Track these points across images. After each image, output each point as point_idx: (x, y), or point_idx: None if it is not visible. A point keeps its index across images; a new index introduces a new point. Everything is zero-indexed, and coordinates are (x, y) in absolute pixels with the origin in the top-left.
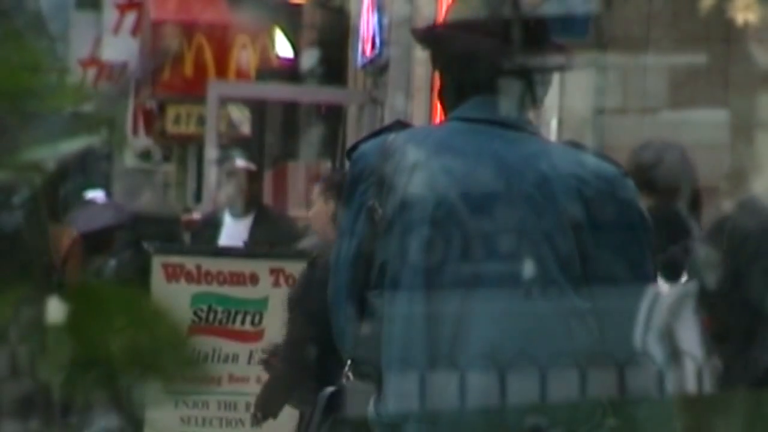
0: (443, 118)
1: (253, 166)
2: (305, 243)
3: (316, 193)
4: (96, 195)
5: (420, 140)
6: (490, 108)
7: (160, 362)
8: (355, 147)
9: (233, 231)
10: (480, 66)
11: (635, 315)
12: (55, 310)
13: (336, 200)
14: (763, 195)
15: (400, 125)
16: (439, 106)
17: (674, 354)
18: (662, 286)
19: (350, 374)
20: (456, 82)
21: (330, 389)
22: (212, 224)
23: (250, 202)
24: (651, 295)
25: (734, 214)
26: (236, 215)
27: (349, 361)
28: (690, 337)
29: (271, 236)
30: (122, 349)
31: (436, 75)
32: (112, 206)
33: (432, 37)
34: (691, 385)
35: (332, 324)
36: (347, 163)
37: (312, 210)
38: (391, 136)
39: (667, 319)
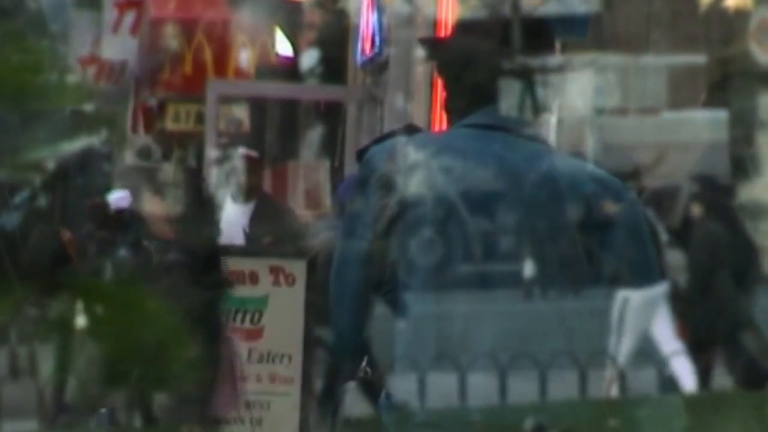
0: (448, 125)
1: (255, 153)
2: (321, 238)
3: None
4: (120, 195)
5: (429, 145)
6: (500, 115)
7: (161, 361)
8: (366, 148)
9: (233, 216)
10: (489, 74)
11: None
12: (60, 309)
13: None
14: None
15: (412, 129)
16: (440, 112)
17: (657, 355)
18: (632, 292)
19: (368, 369)
20: (464, 91)
21: (352, 383)
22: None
23: (252, 190)
24: (621, 300)
25: (702, 217)
26: (237, 201)
27: (366, 357)
28: (669, 336)
29: (272, 225)
30: (124, 348)
31: (441, 84)
32: None
33: (440, 47)
34: (685, 383)
35: (334, 322)
36: (353, 164)
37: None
38: (401, 140)
39: (641, 324)
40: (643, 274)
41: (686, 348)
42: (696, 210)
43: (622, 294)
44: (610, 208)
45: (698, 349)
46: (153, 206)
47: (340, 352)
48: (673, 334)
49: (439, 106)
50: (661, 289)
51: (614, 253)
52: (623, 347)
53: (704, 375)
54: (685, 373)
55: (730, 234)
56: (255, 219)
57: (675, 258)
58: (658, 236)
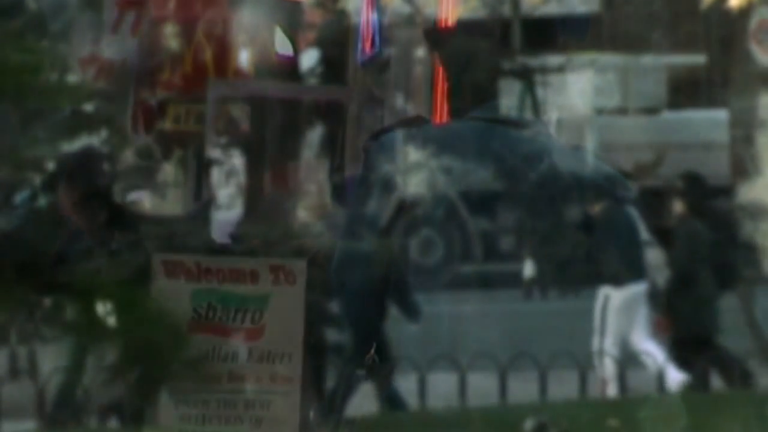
0: (449, 118)
1: (239, 155)
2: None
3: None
4: (138, 196)
5: (432, 141)
6: (503, 110)
7: (162, 361)
8: (374, 137)
9: (222, 221)
10: (493, 69)
11: (635, 313)
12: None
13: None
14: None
15: (421, 120)
16: (439, 105)
17: (633, 354)
18: (613, 290)
19: (376, 357)
20: (468, 85)
21: (361, 372)
22: (206, 211)
23: (243, 195)
24: (602, 298)
25: (685, 215)
26: (226, 207)
27: (374, 345)
28: (645, 336)
29: (262, 229)
30: (125, 347)
31: (444, 76)
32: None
33: (445, 41)
34: (654, 384)
35: (344, 319)
36: (353, 164)
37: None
38: (406, 133)
39: (622, 322)
40: (636, 270)
41: (668, 344)
42: (679, 208)
43: (604, 291)
44: (612, 204)
45: (682, 345)
46: (61, 194)
47: (353, 347)
48: (649, 334)
49: (440, 100)
50: (642, 287)
51: (614, 249)
52: (607, 345)
53: (695, 372)
54: (654, 374)
55: (713, 232)
56: (242, 224)
57: (658, 256)
58: (639, 235)
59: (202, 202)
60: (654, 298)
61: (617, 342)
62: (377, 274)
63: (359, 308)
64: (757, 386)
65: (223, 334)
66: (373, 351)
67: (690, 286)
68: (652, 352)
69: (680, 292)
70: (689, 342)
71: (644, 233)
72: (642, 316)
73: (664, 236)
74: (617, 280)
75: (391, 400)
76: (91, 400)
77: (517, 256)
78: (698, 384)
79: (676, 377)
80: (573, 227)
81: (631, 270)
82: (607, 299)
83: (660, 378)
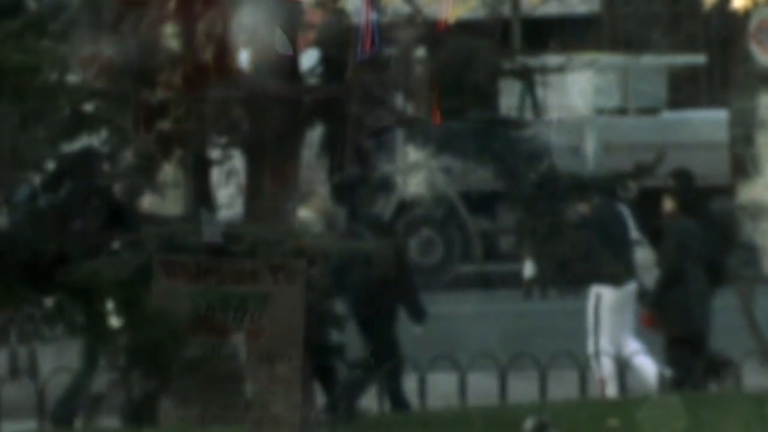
0: (447, 118)
1: (239, 155)
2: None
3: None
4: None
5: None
6: (503, 110)
7: (162, 361)
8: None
9: (215, 221)
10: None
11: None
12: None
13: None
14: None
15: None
16: (437, 105)
17: (627, 355)
18: (605, 289)
19: (372, 358)
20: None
21: (360, 371)
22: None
23: (243, 195)
24: (594, 297)
25: (675, 212)
26: (226, 206)
27: (372, 345)
28: (630, 336)
29: (257, 228)
30: (125, 348)
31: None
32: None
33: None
34: (652, 383)
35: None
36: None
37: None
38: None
39: (616, 321)
40: (627, 269)
41: (656, 340)
42: (669, 205)
43: (595, 291)
44: (603, 203)
45: (669, 341)
46: (65, 193)
47: (360, 347)
48: (633, 333)
49: (438, 100)
50: (633, 286)
51: (606, 249)
52: (604, 344)
53: (682, 368)
54: (647, 369)
55: (704, 230)
56: (239, 225)
57: (648, 253)
58: (630, 233)
59: (197, 207)
60: (642, 294)
61: (613, 341)
62: (378, 273)
63: (359, 308)
64: (752, 386)
65: (223, 334)
66: (370, 351)
67: (679, 282)
68: (639, 349)
69: (669, 288)
70: (677, 338)
71: (634, 232)
72: (632, 314)
73: (654, 234)
74: (613, 280)
75: (394, 400)
76: (96, 399)
77: (517, 256)
78: (685, 380)
79: (664, 373)
80: (571, 227)
81: (623, 269)
82: (599, 299)
83: (655, 377)
